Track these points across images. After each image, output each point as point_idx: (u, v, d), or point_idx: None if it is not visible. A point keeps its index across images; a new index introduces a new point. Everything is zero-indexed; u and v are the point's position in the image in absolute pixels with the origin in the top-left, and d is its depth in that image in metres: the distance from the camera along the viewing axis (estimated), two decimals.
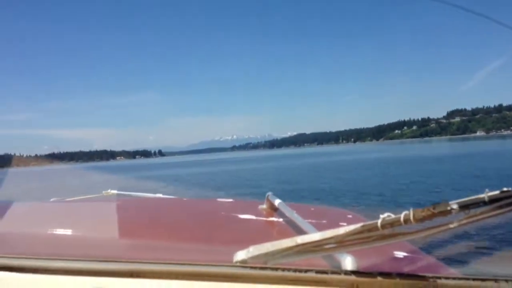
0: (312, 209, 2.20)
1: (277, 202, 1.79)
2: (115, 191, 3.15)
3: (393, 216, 0.81)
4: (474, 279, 0.94)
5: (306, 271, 0.95)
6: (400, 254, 1.29)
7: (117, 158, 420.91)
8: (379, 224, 0.82)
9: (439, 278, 0.94)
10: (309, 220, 1.47)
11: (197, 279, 0.96)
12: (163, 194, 3.23)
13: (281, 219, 1.74)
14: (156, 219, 1.89)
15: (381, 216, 0.82)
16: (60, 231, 1.50)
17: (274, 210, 1.85)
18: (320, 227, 1.19)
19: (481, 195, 0.74)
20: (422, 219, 0.77)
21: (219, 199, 2.44)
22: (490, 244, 5.97)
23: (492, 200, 0.74)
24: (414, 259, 1.31)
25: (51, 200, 2.83)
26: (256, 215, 1.84)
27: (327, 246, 0.92)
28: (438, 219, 0.77)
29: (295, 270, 0.95)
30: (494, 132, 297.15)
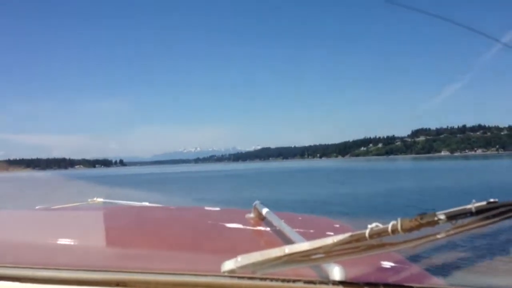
0: (300, 218, 2.20)
1: (264, 211, 1.78)
2: (101, 199, 3.11)
3: (381, 226, 0.80)
4: None
5: (294, 281, 0.94)
6: (387, 264, 1.28)
7: (76, 166, 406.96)
8: (367, 234, 0.81)
9: None
10: (297, 229, 1.45)
11: None
12: (149, 202, 3.16)
13: (268, 228, 1.72)
14: (142, 228, 1.88)
15: (369, 226, 0.82)
16: (46, 240, 1.49)
17: (261, 219, 1.83)
18: (308, 237, 1.20)
19: (468, 206, 0.75)
20: (409, 229, 0.77)
21: (206, 208, 2.44)
22: (476, 255, 5.84)
23: (479, 211, 0.74)
24: (401, 269, 1.31)
25: (37, 207, 2.76)
26: (244, 224, 1.83)
27: (315, 256, 0.91)
28: (425, 229, 0.76)
29: (283, 280, 0.94)
30: (459, 153, 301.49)
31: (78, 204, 2.98)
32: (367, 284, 0.94)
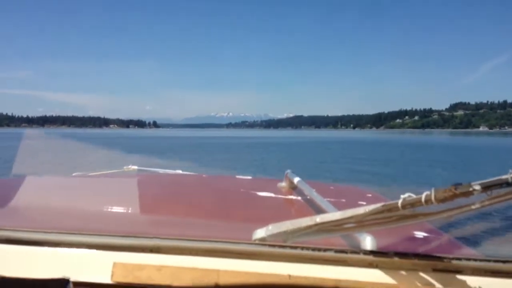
0: (332, 187, 2.23)
1: (296, 180, 1.79)
2: (135, 167, 3.18)
3: (414, 196, 0.79)
4: (495, 261, 0.95)
5: (325, 250, 0.96)
6: (420, 234, 1.29)
7: (111, 126, 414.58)
8: (399, 204, 0.81)
9: (460, 259, 0.95)
10: (329, 199, 1.46)
11: (216, 255, 0.98)
12: (182, 170, 3.23)
13: (300, 198, 1.74)
14: (176, 196, 1.92)
15: (402, 196, 0.81)
16: (83, 206, 1.53)
17: (293, 188, 1.85)
18: (339, 206, 1.20)
19: (504, 176, 0.74)
20: (443, 200, 0.76)
21: (238, 176, 2.45)
22: (510, 225, 5.65)
23: None
24: (433, 240, 1.31)
25: (73, 174, 2.89)
26: (275, 193, 1.84)
27: (346, 226, 0.92)
28: (459, 200, 0.76)
29: (314, 249, 0.96)
30: (498, 129, 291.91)
31: (113, 171, 3.00)
32: (399, 254, 0.95)
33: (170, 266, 0.97)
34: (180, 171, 3.14)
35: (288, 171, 1.94)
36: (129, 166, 3.27)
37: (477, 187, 0.73)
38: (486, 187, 0.73)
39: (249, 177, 2.45)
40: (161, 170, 3.21)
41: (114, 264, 0.99)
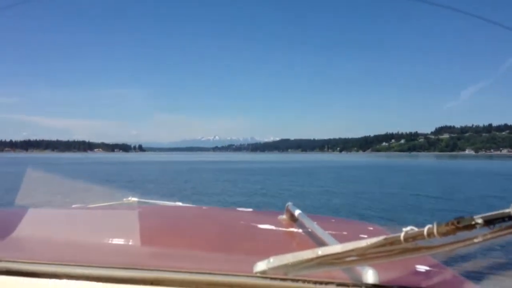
0: (333, 220, 2.25)
1: (297, 212, 1.80)
2: (135, 199, 3.21)
3: (416, 229, 0.79)
4: None
5: (326, 283, 0.94)
6: (422, 268, 1.27)
7: (95, 150, 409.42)
8: (402, 237, 0.80)
9: None
10: (330, 232, 1.46)
11: None
12: (181, 201, 3.32)
13: (301, 230, 1.73)
14: (176, 228, 1.92)
15: (404, 229, 0.80)
16: (82, 238, 1.52)
17: (294, 220, 1.85)
18: (340, 239, 1.20)
19: (506, 210, 0.72)
20: (446, 233, 0.75)
21: (238, 209, 2.49)
22: None
23: None
24: (437, 274, 1.29)
25: (73, 206, 2.92)
26: (276, 226, 1.84)
27: (348, 259, 0.90)
28: (461, 234, 0.75)
29: (315, 282, 0.94)
30: (484, 152, 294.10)
31: (113, 203, 2.95)
32: (401, 287, 0.94)
33: None
34: (180, 203, 3.14)
35: (289, 203, 1.94)
36: (129, 198, 3.21)
37: (480, 221, 0.73)
38: (488, 221, 0.73)
39: (250, 210, 2.46)
40: (160, 202, 3.21)
41: None
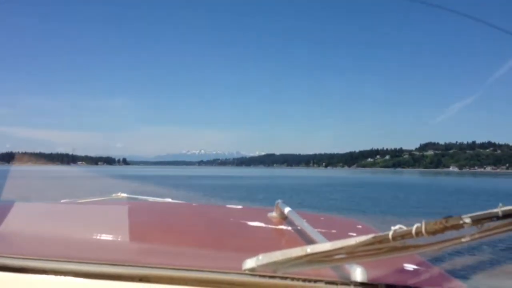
0: (322, 218, 2.24)
1: (286, 210, 1.80)
2: (124, 195, 3.19)
3: (404, 228, 0.79)
4: None
5: (315, 281, 0.95)
6: (410, 266, 1.28)
7: (79, 163, 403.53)
8: (390, 236, 0.80)
9: None
10: (319, 229, 1.46)
11: (206, 285, 0.96)
12: (172, 198, 3.28)
13: (290, 228, 1.73)
14: (165, 224, 1.91)
15: (392, 228, 0.80)
16: (71, 233, 1.51)
17: (283, 218, 1.85)
18: (330, 237, 1.20)
19: (495, 210, 0.73)
20: (434, 232, 0.75)
21: (228, 205, 2.53)
22: (500, 258, 5.83)
23: (506, 215, 0.73)
24: (424, 272, 1.30)
25: (62, 201, 2.88)
26: (266, 223, 1.85)
27: (337, 257, 0.90)
28: (449, 233, 0.75)
29: (304, 280, 0.95)
30: (468, 169, 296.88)
31: (102, 198, 2.94)
32: (389, 286, 0.94)
33: None
34: (169, 200, 3.15)
35: (279, 201, 1.94)
36: (118, 194, 3.18)
37: (468, 220, 0.73)
38: (476, 220, 0.73)
39: (239, 206, 2.48)
40: (150, 198, 3.20)
41: None
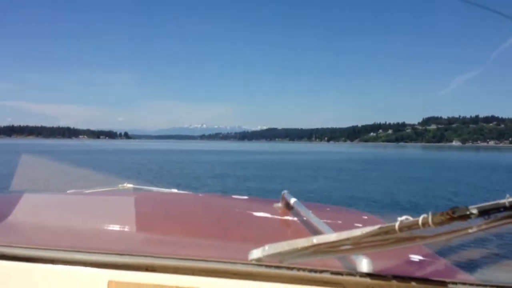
0: (328, 209, 2.24)
1: (292, 200, 1.80)
2: (131, 185, 3.17)
3: (411, 219, 0.79)
4: (491, 286, 0.94)
5: (321, 271, 0.96)
6: (416, 257, 1.29)
7: (80, 136, 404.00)
8: (396, 227, 0.80)
9: (456, 283, 0.95)
10: (325, 220, 1.48)
11: (212, 275, 0.98)
12: (178, 189, 3.33)
13: (296, 218, 1.74)
14: (172, 214, 1.92)
15: (399, 218, 0.81)
16: (78, 224, 1.54)
17: (289, 208, 1.85)
18: (336, 228, 1.22)
19: (502, 201, 0.72)
20: (440, 223, 0.75)
21: (234, 196, 2.52)
22: (508, 251, 5.70)
23: None
24: (431, 264, 1.31)
25: (69, 191, 2.88)
26: (272, 213, 1.85)
27: (343, 248, 0.91)
28: (456, 224, 0.75)
29: (310, 270, 0.95)
30: (470, 143, 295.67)
31: (108, 189, 2.93)
32: (395, 277, 0.95)
33: (165, 286, 0.98)
34: (175, 190, 3.15)
35: (285, 191, 1.94)
36: (125, 184, 3.18)
37: (474, 211, 0.73)
38: (483, 211, 0.73)
39: (246, 197, 2.48)
40: (156, 189, 3.20)
41: (109, 283, 1.00)
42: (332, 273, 0.95)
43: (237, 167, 34.67)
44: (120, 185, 3.12)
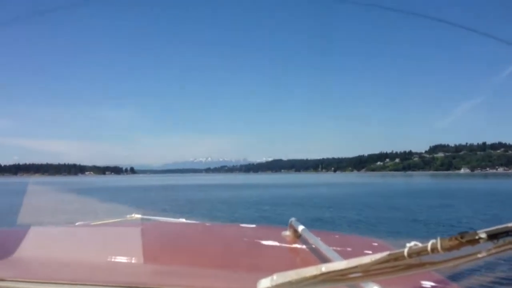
0: (337, 236, 2.21)
1: (300, 228, 1.79)
2: (139, 216, 3.17)
3: (420, 244, 0.78)
4: None
5: None
6: (427, 284, 1.27)
7: (86, 173, 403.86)
8: (405, 253, 0.79)
9: None
10: (334, 248, 1.46)
11: None
12: (186, 218, 3.32)
13: (304, 246, 1.73)
14: (180, 245, 1.92)
15: (408, 244, 0.79)
16: (85, 256, 1.53)
17: (297, 236, 1.84)
18: (345, 255, 1.18)
19: (510, 224, 0.72)
20: (449, 248, 0.74)
21: (242, 225, 2.50)
22: None
23: None
24: None
25: (77, 224, 2.90)
26: (280, 242, 1.84)
27: (352, 275, 0.89)
28: (465, 248, 0.74)
29: None
30: (479, 170, 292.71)
31: (116, 220, 2.92)
32: None
33: None
34: (183, 220, 3.14)
35: (292, 219, 1.93)
36: (132, 215, 3.12)
37: (483, 235, 0.72)
38: (492, 235, 0.72)
39: (253, 226, 2.47)
40: (164, 219, 3.20)
41: None
42: None
43: (244, 201, 33.98)
44: (128, 216, 3.10)
